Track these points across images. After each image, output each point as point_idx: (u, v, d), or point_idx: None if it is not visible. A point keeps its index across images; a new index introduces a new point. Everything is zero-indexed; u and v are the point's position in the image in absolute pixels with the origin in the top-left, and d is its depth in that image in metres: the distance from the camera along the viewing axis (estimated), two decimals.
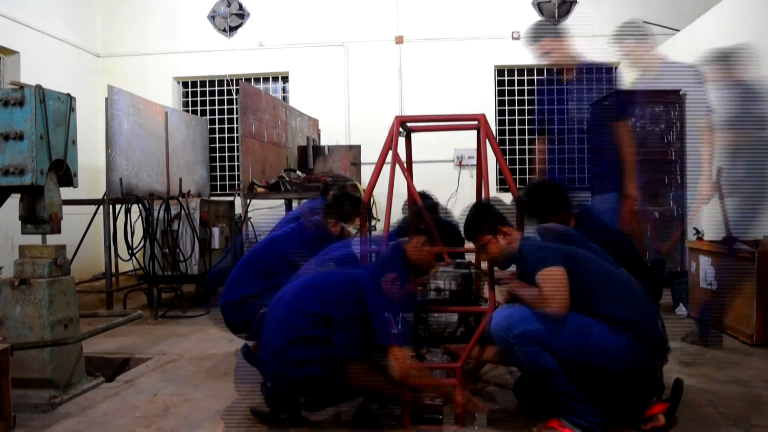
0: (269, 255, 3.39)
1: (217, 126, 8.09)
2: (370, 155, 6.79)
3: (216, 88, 8.13)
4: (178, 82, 8.17)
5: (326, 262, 2.79)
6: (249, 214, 5.77)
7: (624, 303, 2.36)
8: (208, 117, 7.98)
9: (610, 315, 2.34)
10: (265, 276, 3.22)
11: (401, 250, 2.55)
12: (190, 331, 4.50)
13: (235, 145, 7.98)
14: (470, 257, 3.24)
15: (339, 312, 2.39)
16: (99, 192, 6.21)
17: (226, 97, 8.10)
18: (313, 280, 2.58)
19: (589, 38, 7.49)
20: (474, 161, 5.73)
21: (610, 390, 2.41)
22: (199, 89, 8.18)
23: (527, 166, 7.77)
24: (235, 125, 7.98)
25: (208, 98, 8.15)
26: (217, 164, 8.11)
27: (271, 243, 3.52)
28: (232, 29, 7.89)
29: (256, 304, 2.95)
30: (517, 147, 7.77)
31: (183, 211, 5.22)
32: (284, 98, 7.92)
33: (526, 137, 7.77)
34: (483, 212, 2.67)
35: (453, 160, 7.60)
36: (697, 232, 4.81)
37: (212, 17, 7.91)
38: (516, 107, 7.77)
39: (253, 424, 2.60)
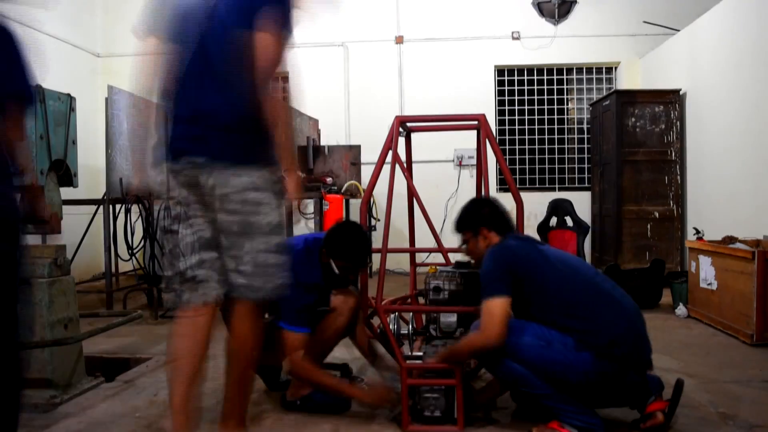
0: None
1: None
2: (370, 155, 6.79)
3: None
4: None
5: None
6: None
7: (593, 317, 2.32)
8: None
9: (576, 329, 2.31)
10: None
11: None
12: None
13: None
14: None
15: None
16: (99, 192, 6.21)
17: None
18: None
19: (589, 38, 7.53)
20: (474, 161, 5.74)
21: (593, 397, 2.40)
22: None
23: (527, 166, 7.77)
24: None
25: None
26: None
27: None
28: None
29: None
30: (517, 147, 7.77)
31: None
32: (284, 98, 7.91)
33: (526, 137, 7.78)
34: (474, 209, 2.66)
35: (453, 160, 7.60)
36: (697, 231, 4.82)
37: None
38: (516, 107, 7.78)
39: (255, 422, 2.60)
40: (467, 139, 5.34)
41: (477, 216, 2.61)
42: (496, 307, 2.33)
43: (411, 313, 3.37)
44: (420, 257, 6.47)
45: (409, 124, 3.49)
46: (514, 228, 2.66)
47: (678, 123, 6.24)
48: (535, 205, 6.69)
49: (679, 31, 6.53)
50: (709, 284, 4.38)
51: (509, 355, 2.32)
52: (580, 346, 2.29)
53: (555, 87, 7.78)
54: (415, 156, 3.79)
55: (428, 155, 7.23)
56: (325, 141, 7.50)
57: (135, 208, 5.26)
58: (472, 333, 2.44)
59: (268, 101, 2.02)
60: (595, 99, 7.26)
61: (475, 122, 3.21)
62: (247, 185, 2.02)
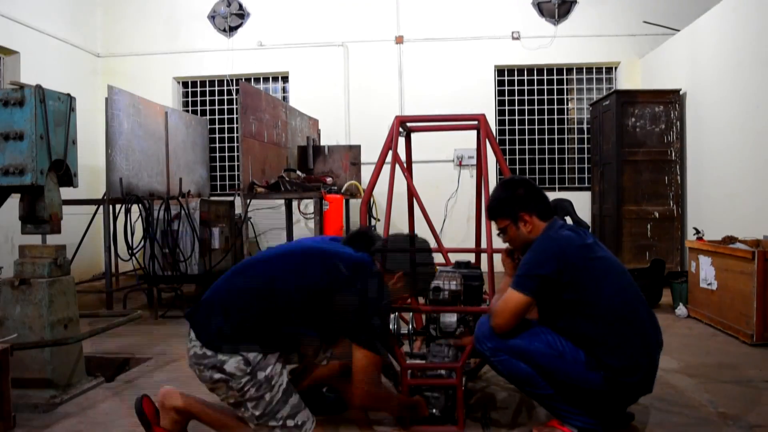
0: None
1: (217, 126, 8.08)
2: (370, 155, 6.80)
3: (216, 88, 8.13)
4: (178, 82, 8.17)
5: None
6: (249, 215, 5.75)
7: (624, 343, 2.24)
8: (208, 117, 7.98)
9: (597, 350, 2.25)
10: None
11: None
12: None
13: (235, 145, 7.98)
14: (470, 257, 3.24)
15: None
16: (99, 192, 6.21)
17: (226, 97, 8.09)
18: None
19: (589, 38, 7.52)
20: (474, 161, 5.73)
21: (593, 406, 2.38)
22: (199, 89, 8.18)
23: (527, 166, 7.77)
24: (235, 125, 7.98)
25: (208, 98, 8.15)
26: (217, 164, 8.11)
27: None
28: (232, 29, 7.89)
29: None
30: (517, 147, 7.77)
31: (183, 211, 5.22)
32: (284, 98, 7.92)
33: (526, 137, 7.78)
34: (507, 191, 2.42)
35: (453, 160, 7.60)
36: (697, 231, 4.81)
37: (212, 17, 7.91)
38: (516, 107, 7.77)
39: None
40: (467, 139, 5.34)
41: (513, 199, 2.38)
42: (513, 301, 2.27)
43: (411, 313, 3.37)
44: None
45: (409, 124, 3.49)
46: (553, 209, 2.47)
47: (678, 123, 6.24)
48: None
49: (679, 31, 6.53)
50: (709, 284, 4.38)
51: (518, 357, 2.31)
52: (592, 365, 2.25)
53: (555, 87, 7.77)
54: (415, 156, 3.78)
55: (428, 155, 7.23)
56: (325, 141, 7.50)
57: (135, 208, 5.27)
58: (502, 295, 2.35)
59: None
60: (595, 99, 7.26)
61: (475, 122, 3.21)
62: None
